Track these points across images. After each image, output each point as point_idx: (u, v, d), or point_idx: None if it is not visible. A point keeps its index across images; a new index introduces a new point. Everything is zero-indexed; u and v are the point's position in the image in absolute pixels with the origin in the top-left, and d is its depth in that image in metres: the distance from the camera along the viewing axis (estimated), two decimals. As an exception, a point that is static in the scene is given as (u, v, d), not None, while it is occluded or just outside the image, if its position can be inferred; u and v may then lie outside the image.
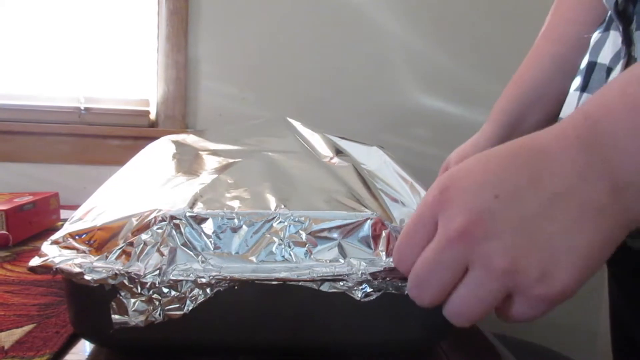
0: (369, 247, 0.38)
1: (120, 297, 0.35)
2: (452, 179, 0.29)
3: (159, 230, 0.37)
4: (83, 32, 1.23)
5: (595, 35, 0.48)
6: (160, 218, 0.37)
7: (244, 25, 1.22)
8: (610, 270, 0.58)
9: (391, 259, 0.36)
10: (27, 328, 0.46)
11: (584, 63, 0.49)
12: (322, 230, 0.38)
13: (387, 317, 0.40)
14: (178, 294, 0.35)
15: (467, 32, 1.25)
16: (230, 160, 0.48)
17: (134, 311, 0.35)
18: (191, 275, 0.35)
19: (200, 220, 0.38)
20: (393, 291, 0.37)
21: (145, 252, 0.36)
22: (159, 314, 0.35)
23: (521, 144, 0.29)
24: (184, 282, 0.35)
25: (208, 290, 0.35)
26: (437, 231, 0.29)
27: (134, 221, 0.38)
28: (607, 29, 0.46)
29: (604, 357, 0.63)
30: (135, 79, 1.25)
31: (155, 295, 0.35)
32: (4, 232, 0.73)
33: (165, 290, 0.35)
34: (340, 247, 0.38)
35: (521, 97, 0.63)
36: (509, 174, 0.28)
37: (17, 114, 1.19)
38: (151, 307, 0.35)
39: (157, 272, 0.35)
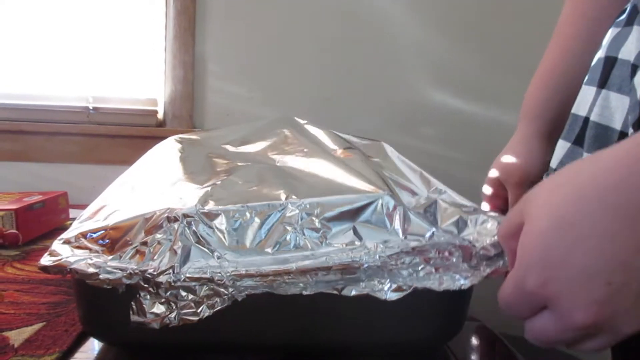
0: (385, 226, 0.38)
1: (140, 298, 0.35)
2: (550, 270, 0.29)
3: (172, 229, 0.37)
4: (91, 32, 1.23)
5: (613, 30, 0.47)
6: (173, 217, 0.38)
7: (251, 24, 1.23)
8: None
9: (409, 239, 0.37)
10: (36, 326, 0.47)
11: (598, 56, 0.48)
12: (335, 214, 0.38)
13: (396, 318, 0.40)
14: (196, 297, 0.35)
15: (477, 30, 1.25)
16: (239, 164, 0.48)
17: (151, 313, 0.35)
18: (207, 272, 0.35)
19: (212, 216, 0.38)
20: (420, 287, 0.36)
21: (159, 251, 0.36)
22: (175, 318, 0.35)
23: (613, 200, 0.27)
24: (202, 287, 0.35)
25: (226, 298, 0.35)
26: (552, 315, 0.29)
27: (146, 220, 0.38)
28: (629, 24, 0.45)
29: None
30: (143, 79, 1.25)
31: (173, 299, 0.35)
32: (14, 231, 0.74)
33: (184, 293, 0.35)
34: (354, 230, 0.38)
35: (562, 92, 0.60)
36: (616, 252, 0.27)
37: (27, 114, 1.20)
38: (168, 311, 0.35)
39: (171, 270, 0.35)
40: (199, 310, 0.35)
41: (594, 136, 0.46)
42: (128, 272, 0.35)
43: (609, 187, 0.27)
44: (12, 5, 1.21)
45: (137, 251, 0.37)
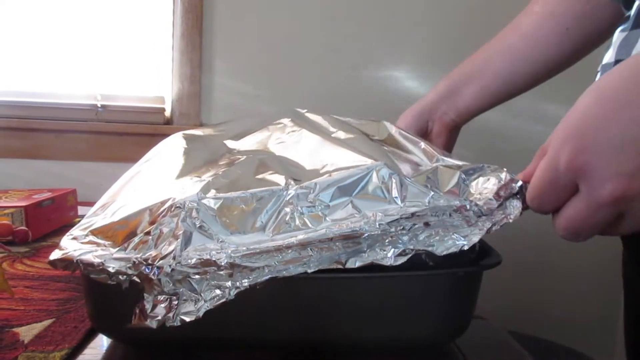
0: (383, 196, 0.38)
1: (143, 301, 0.35)
2: (584, 139, 0.29)
3: (174, 218, 0.37)
4: (100, 30, 1.24)
5: (619, 35, 0.47)
6: (175, 205, 0.38)
7: (258, 22, 1.23)
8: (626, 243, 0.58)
9: (407, 205, 0.37)
10: (46, 323, 0.47)
11: (604, 62, 0.48)
12: (332, 191, 0.38)
13: (403, 314, 0.40)
14: (197, 295, 0.35)
15: (490, 27, 1.24)
16: (240, 156, 0.48)
17: (152, 315, 0.35)
18: (207, 254, 0.35)
19: (214, 204, 0.38)
20: (422, 250, 0.36)
21: (161, 239, 0.37)
22: (173, 317, 0.35)
23: None
24: (204, 284, 0.35)
25: (227, 290, 0.35)
26: (583, 193, 0.30)
27: (150, 212, 0.39)
28: (636, 26, 0.45)
29: (620, 356, 0.63)
30: (150, 77, 1.26)
31: (174, 298, 0.35)
32: (24, 227, 0.75)
33: (186, 293, 0.35)
34: (353, 204, 0.38)
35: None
36: None
37: (36, 112, 1.21)
38: (167, 311, 0.35)
39: (172, 255, 0.35)
40: (197, 307, 0.34)
41: None
42: (131, 261, 0.35)
43: None
44: (20, 4, 1.22)
45: (141, 242, 0.37)
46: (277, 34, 1.23)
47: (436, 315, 0.41)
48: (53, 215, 0.83)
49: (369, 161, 0.41)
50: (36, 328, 0.46)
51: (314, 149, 0.47)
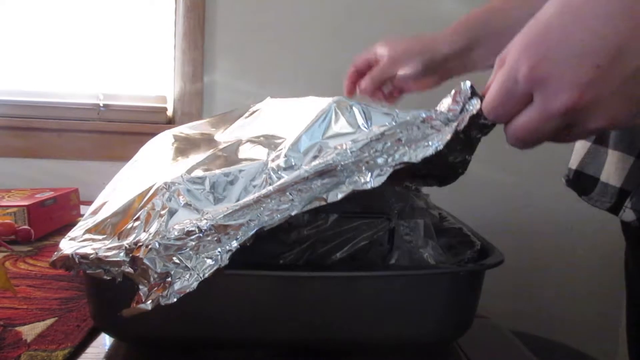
0: (349, 129, 0.39)
1: (139, 292, 0.35)
2: (545, 49, 0.29)
3: (160, 200, 0.38)
4: (102, 30, 1.24)
5: None
6: (161, 187, 0.38)
7: (260, 21, 1.23)
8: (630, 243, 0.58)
9: (375, 128, 0.37)
10: (49, 322, 0.47)
11: None
12: (300, 142, 0.39)
13: (405, 314, 0.40)
14: (189, 272, 0.34)
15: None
16: (224, 144, 0.49)
17: (146, 300, 0.35)
18: (190, 223, 0.35)
19: (199, 182, 0.39)
20: (399, 164, 0.35)
21: (149, 221, 0.37)
22: (167, 294, 0.34)
23: None
24: (194, 257, 0.34)
25: (219, 257, 0.34)
26: (537, 103, 0.30)
27: (139, 199, 0.40)
28: None
29: (623, 356, 0.62)
30: (152, 76, 1.26)
31: (167, 279, 0.34)
32: (26, 227, 0.75)
33: (178, 272, 0.34)
34: (324, 145, 0.38)
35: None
36: (610, 34, 0.27)
37: (38, 111, 1.21)
38: (162, 290, 0.34)
39: (158, 231, 0.35)
40: (191, 281, 0.33)
41: None
42: (123, 247, 0.35)
43: None
44: (23, 4, 1.22)
45: (132, 228, 0.37)
46: (279, 32, 1.23)
47: (438, 314, 0.41)
48: (55, 215, 0.83)
49: (328, 100, 0.41)
50: (39, 327, 0.46)
51: (288, 120, 0.47)
